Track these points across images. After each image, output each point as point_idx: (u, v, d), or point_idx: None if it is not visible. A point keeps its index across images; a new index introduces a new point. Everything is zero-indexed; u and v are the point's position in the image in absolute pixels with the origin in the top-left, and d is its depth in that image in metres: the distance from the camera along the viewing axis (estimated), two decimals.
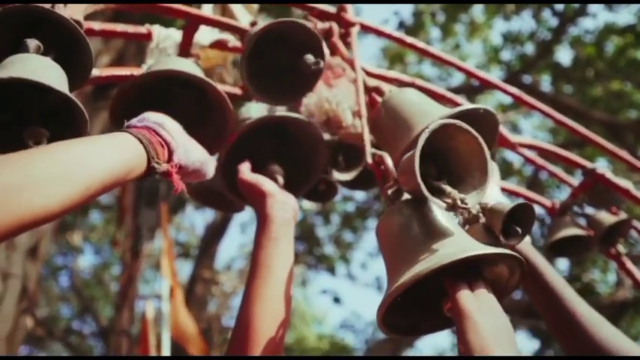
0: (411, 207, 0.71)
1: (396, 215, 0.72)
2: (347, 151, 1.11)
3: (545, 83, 6.27)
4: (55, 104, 0.68)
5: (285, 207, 0.90)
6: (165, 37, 1.06)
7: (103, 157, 0.60)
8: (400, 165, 0.72)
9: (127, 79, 1.02)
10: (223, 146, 0.94)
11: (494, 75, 6.12)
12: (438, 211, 0.70)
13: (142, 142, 0.66)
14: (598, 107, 5.61)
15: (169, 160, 0.71)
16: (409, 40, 1.35)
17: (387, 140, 0.91)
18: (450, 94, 1.33)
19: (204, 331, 5.72)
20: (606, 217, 1.37)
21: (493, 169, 0.83)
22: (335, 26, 1.15)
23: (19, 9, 0.70)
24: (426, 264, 0.62)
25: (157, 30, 1.06)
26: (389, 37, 1.33)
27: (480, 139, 0.67)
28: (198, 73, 0.86)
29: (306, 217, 7.30)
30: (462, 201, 0.65)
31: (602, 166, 1.40)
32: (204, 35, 1.09)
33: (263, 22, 1.02)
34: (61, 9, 0.73)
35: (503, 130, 1.36)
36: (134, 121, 0.71)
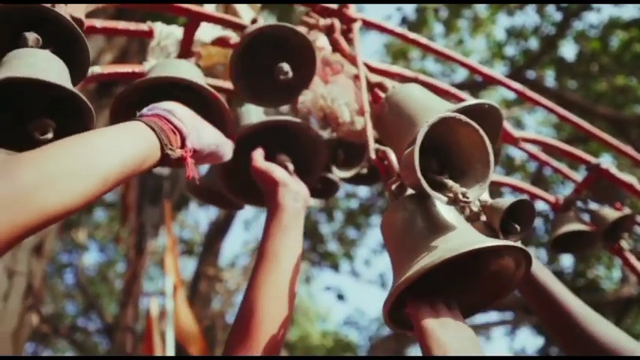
0: (415, 202, 0.71)
1: (399, 210, 0.72)
2: (347, 147, 1.11)
3: (550, 78, 6.24)
4: (61, 99, 0.68)
5: (297, 197, 0.91)
6: (167, 34, 1.06)
7: (117, 149, 0.60)
8: (401, 160, 0.72)
9: (128, 76, 1.03)
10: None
11: (498, 70, 6.11)
12: (442, 205, 0.70)
13: (154, 129, 0.66)
14: (602, 102, 5.58)
15: (183, 146, 0.71)
16: (412, 35, 1.35)
17: (391, 136, 0.90)
18: (453, 90, 1.33)
19: (208, 329, 5.75)
20: (610, 213, 1.37)
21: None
22: (337, 22, 1.15)
23: (18, 7, 0.70)
24: (430, 258, 0.62)
25: (159, 27, 1.06)
26: (391, 32, 1.33)
27: (481, 132, 0.67)
28: (198, 77, 0.87)
29: (309, 214, 7.31)
30: (464, 195, 0.65)
31: (606, 161, 1.39)
32: (206, 32, 1.09)
33: (263, 20, 1.02)
34: (61, 8, 0.73)
35: (507, 125, 1.36)
36: (144, 110, 0.72)
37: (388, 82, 1.00)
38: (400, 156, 0.79)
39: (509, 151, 5.49)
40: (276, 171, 0.93)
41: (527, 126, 6.84)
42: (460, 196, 0.64)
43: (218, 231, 6.45)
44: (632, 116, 5.46)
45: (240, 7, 1.20)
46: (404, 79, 1.24)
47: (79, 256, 8.80)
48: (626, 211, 1.39)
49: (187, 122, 0.72)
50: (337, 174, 1.13)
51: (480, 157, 0.68)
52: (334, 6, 1.17)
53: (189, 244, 8.88)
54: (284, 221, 0.87)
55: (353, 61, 1.07)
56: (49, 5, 0.71)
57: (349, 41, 1.14)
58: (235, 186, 1.06)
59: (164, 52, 1.04)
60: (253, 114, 1.10)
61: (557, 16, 5.62)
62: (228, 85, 1.07)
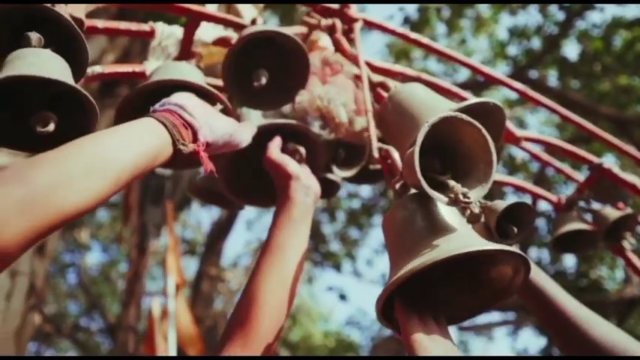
0: (416, 201, 0.71)
1: (401, 209, 0.72)
2: (348, 146, 1.10)
3: (552, 78, 6.22)
4: (64, 97, 0.68)
5: (308, 191, 0.91)
6: (168, 34, 1.06)
7: (130, 146, 0.60)
8: (403, 160, 0.72)
9: (129, 76, 1.03)
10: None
11: (501, 70, 6.10)
12: (443, 206, 0.70)
13: (165, 125, 0.66)
14: (605, 102, 5.56)
15: (195, 140, 0.71)
16: (413, 35, 1.34)
17: (394, 134, 0.90)
18: (455, 89, 1.32)
19: (210, 328, 5.76)
20: (612, 213, 1.36)
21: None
22: (338, 22, 1.15)
23: (18, 7, 0.70)
24: (423, 258, 0.62)
25: (160, 27, 1.06)
26: (392, 32, 1.33)
27: (484, 131, 0.67)
28: (201, 79, 0.87)
29: None
30: (465, 195, 0.64)
31: (609, 161, 1.39)
32: (207, 32, 1.09)
33: (262, 20, 1.02)
34: (61, 8, 0.73)
35: (509, 124, 1.35)
36: (156, 106, 0.72)
37: (390, 82, 1.00)
38: (404, 154, 0.79)
39: (511, 150, 5.48)
40: (290, 164, 0.93)
41: (529, 126, 6.84)
42: (461, 197, 0.64)
43: (220, 231, 6.46)
44: (635, 116, 5.44)
45: (243, 7, 1.20)
46: (406, 78, 1.23)
47: (81, 256, 8.83)
48: (629, 210, 1.39)
49: (198, 116, 0.72)
50: (338, 173, 1.13)
51: (483, 157, 0.67)
52: (335, 6, 1.17)
53: (192, 244, 8.89)
54: (293, 215, 0.87)
55: (355, 60, 1.07)
56: (49, 5, 0.71)
57: (351, 41, 1.14)
58: (237, 186, 1.06)
59: (165, 52, 1.04)
60: (253, 115, 1.10)
61: (560, 16, 5.61)
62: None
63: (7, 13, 0.70)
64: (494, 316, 6.73)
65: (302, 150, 0.98)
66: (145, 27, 1.05)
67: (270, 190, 0.98)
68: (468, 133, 0.68)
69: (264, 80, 0.92)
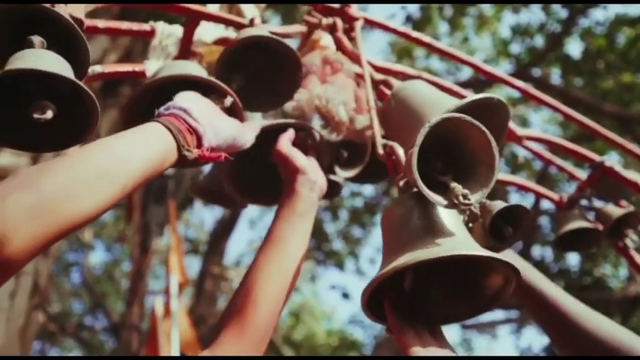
0: (416, 200, 0.71)
1: (399, 206, 0.72)
2: (350, 147, 1.10)
3: (555, 76, 6.20)
4: (65, 93, 0.68)
5: (314, 186, 0.91)
6: (169, 34, 1.06)
7: (137, 153, 0.61)
8: (404, 160, 0.72)
9: (129, 75, 1.03)
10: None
11: (504, 68, 6.08)
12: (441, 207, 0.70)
13: (171, 131, 0.67)
14: (609, 100, 5.54)
15: (199, 145, 0.71)
16: (414, 34, 1.34)
17: (398, 131, 0.90)
18: (456, 88, 1.32)
19: (213, 328, 5.76)
20: (614, 210, 1.36)
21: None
22: (339, 21, 1.15)
23: (18, 7, 0.70)
24: (407, 257, 0.62)
25: (161, 27, 1.06)
26: (393, 31, 1.32)
27: (488, 134, 0.66)
28: (207, 75, 0.87)
29: None
30: (465, 196, 0.64)
31: (612, 159, 1.38)
32: (208, 32, 1.09)
33: (260, 20, 1.02)
34: (61, 7, 0.73)
35: (510, 123, 1.35)
36: (162, 109, 0.72)
37: (393, 80, 1.00)
38: (408, 150, 0.79)
39: (513, 148, 5.47)
40: (298, 158, 0.93)
41: (532, 124, 6.81)
42: (461, 198, 0.64)
43: (223, 230, 6.47)
44: (639, 114, 5.42)
45: (245, 7, 1.20)
46: (407, 77, 1.23)
47: (85, 255, 8.86)
48: (631, 208, 1.39)
49: (203, 120, 0.72)
50: (341, 174, 1.13)
51: (486, 160, 0.67)
52: (336, 5, 1.16)
53: (195, 243, 8.91)
54: (297, 208, 0.87)
55: (356, 59, 1.07)
56: (48, 5, 0.71)
57: (352, 40, 1.14)
58: (241, 185, 1.06)
59: (165, 52, 1.04)
60: (255, 115, 1.10)
61: (563, 14, 5.59)
62: None
63: (7, 13, 0.70)
64: (497, 314, 6.73)
65: (315, 134, 0.98)
66: (146, 27, 1.05)
67: (274, 188, 0.98)
68: (473, 134, 0.67)
69: (234, 87, 0.92)
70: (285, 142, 0.95)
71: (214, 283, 6.25)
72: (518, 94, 1.60)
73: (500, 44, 6.42)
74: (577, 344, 0.80)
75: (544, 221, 5.92)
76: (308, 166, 0.93)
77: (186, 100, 0.74)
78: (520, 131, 1.39)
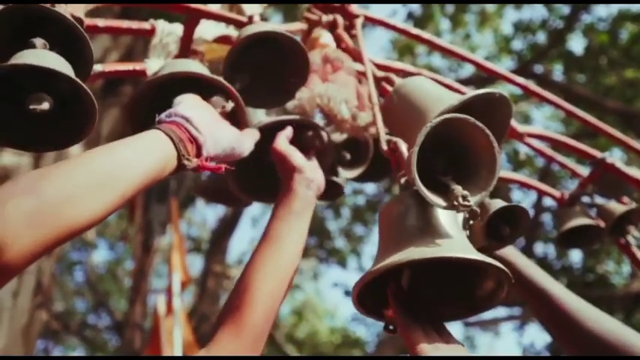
0: (414, 198, 0.71)
1: (398, 204, 0.72)
2: (352, 147, 1.10)
3: (558, 73, 6.18)
4: (65, 92, 0.68)
5: (310, 185, 0.91)
6: (169, 32, 1.06)
7: (139, 161, 0.61)
8: (405, 159, 0.72)
9: (130, 74, 1.03)
10: None
11: (506, 65, 6.06)
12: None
13: (172, 139, 0.67)
14: (612, 96, 5.52)
15: (198, 154, 0.72)
16: (414, 31, 1.34)
17: (400, 128, 0.89)
18: (457, 85, 1.32)
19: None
20: (616, 207, 1.36)
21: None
22: (339, 18, 1.15)
23: (19, 8, 0.70)
24: (398, 256, 0.63)
25: (161, 25, 1.06)
26: (394, 28, 1.32)
27: (492, 137, 0.66)
28: (209, 73, 0.86)
29: (316, 211, 7.30)
30: (465, 198, 0.64)
31: (615, 155, 1.38)
32: (209, 30, 1.09)
33: (259, 17, 1.01)
34: (61, 7, 0.73)
35: (512, 120, 1.35)
36: (163, 116, 0.72)
37: (394, 76, 0.99)
38: (411, 146, 0.78)
39: (516, 145, 5.45)
40: (295, 156, 0.93)
41: (535, 120, 6.79)
42: (460, 200, 0.64)
43: (225, 228, 6.48)
44: None
45: (245, 7, 1.20)
46: (407, 75, 1.23)
47: (88, 254, 8.89)
48: (633, 205, 1.38)
49: (204, 130, 0.72)
50: (343, 174, 1.13)
51: (487, 163, 0.67)
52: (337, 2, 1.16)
53: (197, 241, 8.92)
54: (293, 207, 0.87)
55: (358, 56, 1.06)
56: (48, 5, 0.71)
57: (352, 37, 1.14)
58: (245, 183, 1.06)
59: (165, 50, 1.04)
60: (259, 112, 1.10)
61: (565, 10, 5.56)
62: None
63: (8, 14, 0.70)
64: (500, 312, 6.72)
65: (324, 135, 0.98)
66: (146, 25, 1.05)
67: (279, 185, 0.98)
68: (475, 136, 0.67)
69: (237, 86, 0.91)
70: (283, 140, 0.95)
71: (217, 282, 6.26)
72: (520, 90, 1.60)
73: (502, 41, 6.40)
74: (578, 342, 0.80)
75: (546, 218, 5.91)
76: (305, 164, 0.93)
77: (188, 107, 0.74)
78: (521, 128, 1.39)
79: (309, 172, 0.92)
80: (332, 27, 1.14)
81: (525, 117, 6.56)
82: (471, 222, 0.80)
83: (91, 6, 0.87)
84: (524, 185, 1.54)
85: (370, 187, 7.26)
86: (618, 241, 1.41)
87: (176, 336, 3.56)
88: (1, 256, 0.46)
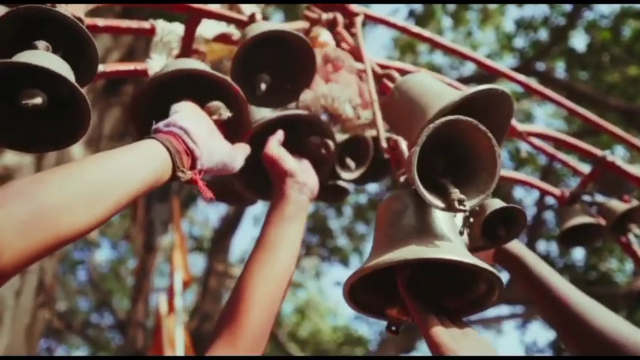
0: (412, 197, 0.71)
1: (396, 202, 0.72)
2: (352, 149, 1.10)
3: (560, 70, 6.17)
4: (61, 94, 0.68)
5: (303, 189, 0.91)
6: (169, 31, 1.06)
7: (134, 170, 0.61)
8: (406, 159, 0.71)
9: (131, 74, 1.03)
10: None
11: (508, 63, 6.05)
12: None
13: (169, 150, 0.67)
14: (614, 93, 5.50)
15: (193, 166, 0.71)
16: (415, 29, 1.34)
17: (401, 124, 0.89)
18: (457, 84, 1.32)
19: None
20: (617, 205, 1.35)
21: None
22: (339, 16, 1.15)
23: (22, 10, 0.70)
24: (391, 255, 0.63)
25: (161, 24, 1.06)
26: (394, 26, 1.32)
27: (494, 141, 0.66)
28: (211, 71, 0.86)
29: (318, 210, 7.32)
30: (461, 202, 0.64)
31: (617, 153, 1.37)
32: (208, 29, 1.09)
33: (261, 16, 1.01)
34: (62, 7, 0.74)
35: (512, 119, 1.34)
36: (161, 125, 0.72)
37: (395, 74, 0.99)
38: (411, 143, 0.78)
39: (518, 143, 5.43)
40: (287, 160, 0.92)
41: (537, 118, 6.77)
42: (456, 204, 0.64)
43: (228, 227, 6.48)
44: None
45: (244, 7, 1.20)
46: (407, 74, 1.23)
47: (91, 253, 8.91)
48: (634, 203, 1.38)
49: (200, 142, 0.72)
50: (344, 176, 1.13)
51: (487, 166, 0.67)
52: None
53: (199, 240, 8.94)
54: (286, 212, 0.87)
55: (357, 54, 1.06)
56: (49, 5, 0.71)
57: (352, 36, 1.13)
58: (250, 181, 1.05)
59: (167, 48, 1.04)
60: (264, 111, 1.09)
61: (567, 7, 5.54)
62: None
63: (11, 16, 0.70)
64: (502, 310, 6.72)
65: (330, 143, 0.97)
66: (146, 25, 1.05)
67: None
68: (477, 138, 0.67)
69: (263, 86, 0.91)
70: (274, 145, 0.94)
71: (219, 281, 6.26)
72: (522, 88, 1.59)
73: (504, 38, 6.38)
74: (581, 337, 0.80)
75: (549, 216, 5.90)
76: (297, 168, 0.92)
77: (186, 117, 0.73)
78: (521, 127, 1.39)
79: (302, 176, 0.92)
80: (332, 25, 1.14)
81: (527, 115, 6.55)
82: (471, 219, 0.80)
83: (91, 6, 0.87)
84: (524, 184, 1.54)
85: (372, 186, 7.26)
86: (619, 239, 1.40)
87: (178, 335, 3.57)
88: None
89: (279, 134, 0.96)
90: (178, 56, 1.04)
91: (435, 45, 1.35)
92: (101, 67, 0.97)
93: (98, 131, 3.50)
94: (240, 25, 1.03)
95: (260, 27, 0.93)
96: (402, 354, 6.37)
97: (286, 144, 0.99)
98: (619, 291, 5.61)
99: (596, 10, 5.50)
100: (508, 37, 6.31)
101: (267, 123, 0.99)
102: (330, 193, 1.17)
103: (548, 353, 6.61)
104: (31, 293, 3.05)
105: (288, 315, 10.01)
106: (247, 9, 1.18)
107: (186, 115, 0.74)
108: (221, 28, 1.11)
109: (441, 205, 0.65)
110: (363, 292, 0.70)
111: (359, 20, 1.16)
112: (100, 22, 0.96)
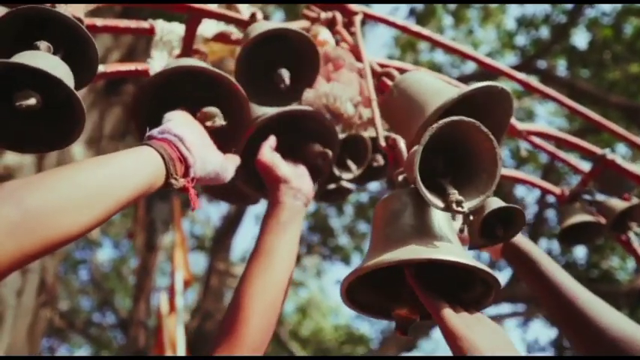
0: (411, 196, 0.71)
1: (394, 200, 0.72)
2: (352, 149, 1.10)
3: (561, 68, 6.15)
4: (59, 97, 0.68)
5: (298, 194, 0.90)
6: (169, 30, 1.07)
7: (127, 176, 0.61)
8: (406, 158, 0.71)
9: (132, 74, 1.03)
10: (239, 142, 0.92)
11: (509, 61, 6.03)
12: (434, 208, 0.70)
13: (163, 157, 0.67)
14: (616, 91, 5.48)
15: (186, 174, 0.71)
16: (415, 28, 1.34)
17: (400, 122, 0.88)
18: (455, 83, 1.32)
19: (220, 323, 5.80)
20: (617, 204, 1.35)
21: None
22: (338, 15, 1.15)
23: (22, 10, 0.71)
24: (388, 255, 0.63)
25: (160, 24, 1.07)
26: (393, 25, 1.32)
27: (495, 143, 0.65)
28: (212, 68, 0.86)
29: (319, 209, 7.32)
30: (459, 203, 0.64)
31: (619, 151, 1.37)
32: (208, 29, 1.09)
33: (262, 15, 1.01)
34: (62, 7, 0.74)
35: (512, 118, 1.34)
36: (155, 132, 0.71)
37: (395, 72, 0.99)
38: (410, 140, 0.78)
39: (518, 141, 5.42)
40: (280, 167, 0.92)
41: (539, 116, 6.77)
42: (454, 205, 0.64)
43: (229, 226, 6.48)
44: None
45: (242, 7, 1.20)
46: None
47: (92, 252, 8.93)
48: (635, 201, 1.38)
49: (194, 150, 0.72)
50: (344, 176, 1.13)
51: (488, 167, 0.67)
52: None
53: (200, 239, 8.95)
54: (282, 218, 0.86)
55: (356, 52, 1.06)
56: (49, 6, 0.71)
57: (352, 34, 1.13)
58: (252, 179, 1.04)
59: (167, 47, 1.04)
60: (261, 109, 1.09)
61: (569, 4, 5.53)
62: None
63: (11, 16, 0.70)
64: (504, 308, 6.72)
65: (329, 153, 0.97)
66: (145, 24, 1.05)
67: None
68: (479, 140, 0.67)
69: (287, 80, 0.90)
70: (267, 151, 0.93)
71: (220, 279, 6.27)
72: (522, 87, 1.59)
73: (505, 36, 6.37)
74: (585, 334, 0.80)
75: (550, 214, 5.89)
76: (291, 174, 0.92)
77: (179, 125, 0.73)
78: (521, 126, 1.38)
79: (296, 182, 0.91)
80: (331, 24, 1.14)
81: (529, 113, 6.54)
82: (471, 217, 0.80)
83: (91, 6, 0.87)
84: (524, 182, 1.54)
85: (373, 184, 7.25)
86: (620, 237, 1.40)
87: (179, 334, 3.57)
88: None
89: (272, 140, 0.95)
90: (179, 56, 1.04)
91: (435, 44, 1.35)
92: (101, 68, 0.97)
93: (99, 131, 3.51)
94: (241, 25, 1.03)
95: (262, 26, 0.93)
96: (404, 353, 6.38)
97: (286, 144, 0.99)
98: (621, 289, 5.60)
99: (598, 8, 5.49)
100: (509, 35, 6.30)
101: (269, 119, 0.99)
102: (331, 193, 1.18)
103: (550, 352, 6.61)
104: (33, 292, 3.06)
105: (289, 314, 10.02)
106: (246, 8, 1.18)
107: (180, 122, 0.74)
108: (220, 27, 1.11)
109: (441, 204, 0.65)
110: (362, 292, 0.70)
111: (358, 19, 1.16)
112: (99, 22, 0.96)
